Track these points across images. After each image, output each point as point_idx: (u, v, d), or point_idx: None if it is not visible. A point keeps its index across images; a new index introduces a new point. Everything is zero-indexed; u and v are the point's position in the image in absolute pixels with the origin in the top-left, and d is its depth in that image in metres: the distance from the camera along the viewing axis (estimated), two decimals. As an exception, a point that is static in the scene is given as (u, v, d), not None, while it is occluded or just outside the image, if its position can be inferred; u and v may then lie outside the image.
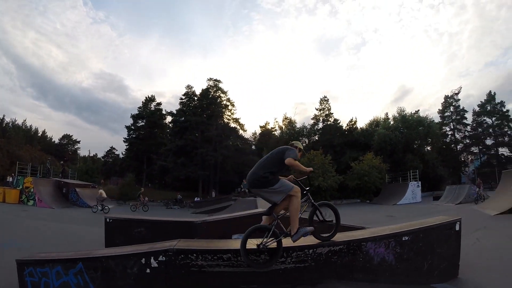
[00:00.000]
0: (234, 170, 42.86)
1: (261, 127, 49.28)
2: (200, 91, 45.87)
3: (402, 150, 40.27)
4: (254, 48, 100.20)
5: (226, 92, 46.10)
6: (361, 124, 48.46)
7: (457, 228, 5.29)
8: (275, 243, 4.02)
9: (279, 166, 4.21)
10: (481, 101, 50.60)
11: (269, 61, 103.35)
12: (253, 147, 47.50)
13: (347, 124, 44.50)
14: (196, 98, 46.11)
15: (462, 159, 50.47)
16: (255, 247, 3.91)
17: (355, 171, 35.93)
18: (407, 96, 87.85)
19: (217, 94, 45.46)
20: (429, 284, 4.79)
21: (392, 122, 43.27)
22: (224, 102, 45.60)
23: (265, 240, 3.97)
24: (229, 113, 45.99)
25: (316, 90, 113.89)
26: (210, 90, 45.31)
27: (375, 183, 35.73)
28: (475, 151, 50.85)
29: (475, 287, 5.00)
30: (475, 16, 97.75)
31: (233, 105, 46.17)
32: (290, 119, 43.24)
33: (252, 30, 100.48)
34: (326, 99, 44.14)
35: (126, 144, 52.28)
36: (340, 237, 4.74)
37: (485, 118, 49.74)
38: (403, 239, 4.66)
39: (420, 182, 32.46)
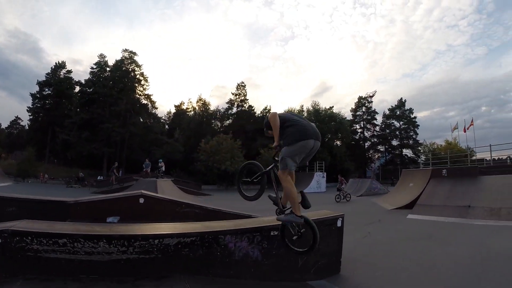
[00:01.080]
0: (142, 148, 40.69)
1: (176, 106, 47.24)
2: (114, 62, 42.69)
3: (312, 141, 41.59)
4: (183, 25, 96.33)
5: (140, 66, 43.44)
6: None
7: (338, 224, 5.06)
8: None
9: None
10: (392, 106, 54.87)
11: (196, 40, 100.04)
12: (167, 126, 45.54)
13: (261, 112, 44.94)
14: (108, 69, 42.80)
15: (369, 155, 54.05)
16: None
17: (263, 158, 36.17)
18: (326, 93, 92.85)
19: (131, 67, 42.71)
20: (304, 281, 4.48)
21: (306, 115, 44.61)
22: (138, 76, 42.90)
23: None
24: (142, 89, 43.29)
25: (240, 75, 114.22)
26: (124, 62, 42.42)
27: (281, 171, 36.30)
28: (381, 149, 55.05)
29: (356, 285, 4.73)
30: (402, 31, 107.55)
31: (146, 81, 43.58)
32: (204, 101, 42.37)
33: (184, 5, 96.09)
34: (243, 84, 44.22)
35: (30, 114, 47.35)
36: (196, 227, 4.35)
37: (393, 121, 54.08)
38: (272, 233, 4.23)
39: (325, 173, 34.17)
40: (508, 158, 23.89)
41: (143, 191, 7.71)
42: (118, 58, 43.34)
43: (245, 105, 43.45)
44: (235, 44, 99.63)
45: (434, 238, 8.32)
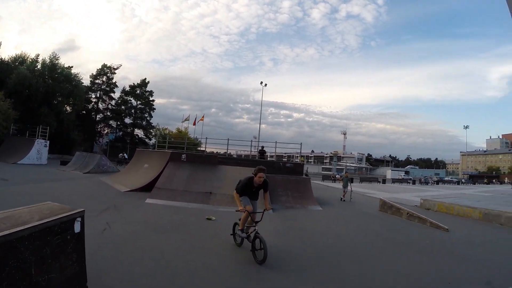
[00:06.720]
0: None
1: None
2: None
3: (40, 101, 36.57)
4: None
5: None
6: (5, 54, 39.67)
7: (76, 229, 3.18)
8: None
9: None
10: (133, 83, 56.71)
11: None
12: None
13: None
14: None
15: (99, 129, 52.94)
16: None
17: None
18: (72, 52, 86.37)
19: None
20: None
21: (39, 67, 38.18)
22: None
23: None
24: None
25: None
26: None
27: (-4, 131, 29.07)
28: (113, 125, 55.57)
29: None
30: (170, 21, 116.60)
31: None
32: None
33: None
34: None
35: None
36: None
37: (131, 99, 56.09)
38: None
39: (48, 142, 29.92)
40: (236, 154, 30.00)
41: None
42: None
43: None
44: None
45: (184, 229, 7.93)
